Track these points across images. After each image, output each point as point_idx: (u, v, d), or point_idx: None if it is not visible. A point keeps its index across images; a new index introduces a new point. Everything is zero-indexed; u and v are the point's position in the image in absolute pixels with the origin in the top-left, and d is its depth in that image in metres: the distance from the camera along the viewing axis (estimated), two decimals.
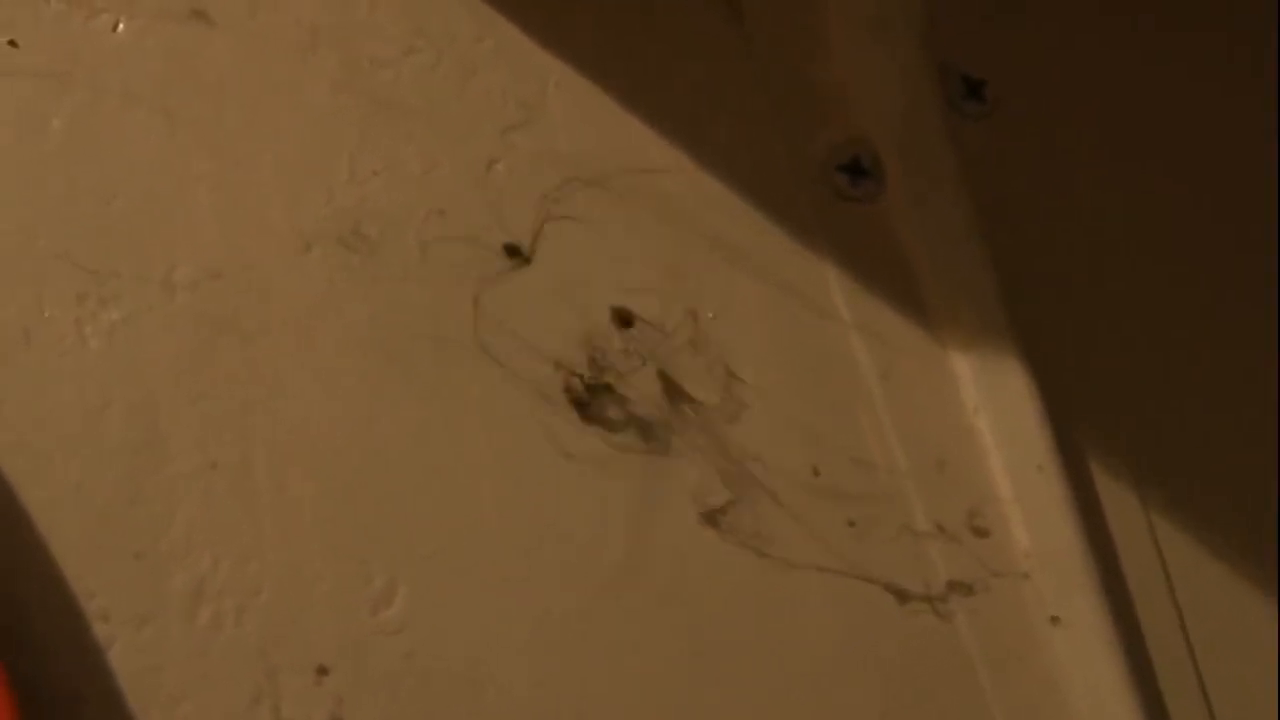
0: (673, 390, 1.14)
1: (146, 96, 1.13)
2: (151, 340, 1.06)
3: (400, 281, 1.13)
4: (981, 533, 1.15)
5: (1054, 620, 1.15)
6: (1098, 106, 1.39)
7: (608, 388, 1.12)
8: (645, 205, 1.22)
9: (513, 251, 1.15)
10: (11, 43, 1.10)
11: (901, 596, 1.12)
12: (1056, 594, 1.15)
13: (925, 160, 1.30)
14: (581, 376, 1.12)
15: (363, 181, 1.15)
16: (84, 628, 0.96)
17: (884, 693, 1.11)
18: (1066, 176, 1.34)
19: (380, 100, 1.19)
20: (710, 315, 1.18)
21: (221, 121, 1.14)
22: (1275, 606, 1.23)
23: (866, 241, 1.26)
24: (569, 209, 1.20)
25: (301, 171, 1.15)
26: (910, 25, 1.33)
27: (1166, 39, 1.43)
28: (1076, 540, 1.17)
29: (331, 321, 1.11)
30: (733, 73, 1.30)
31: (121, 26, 1.14)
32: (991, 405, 1.21)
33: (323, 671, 1.00)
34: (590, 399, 1.11)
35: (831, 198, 1.28)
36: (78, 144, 1.10)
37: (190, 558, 1.00)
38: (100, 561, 0.99)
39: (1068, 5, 1.41)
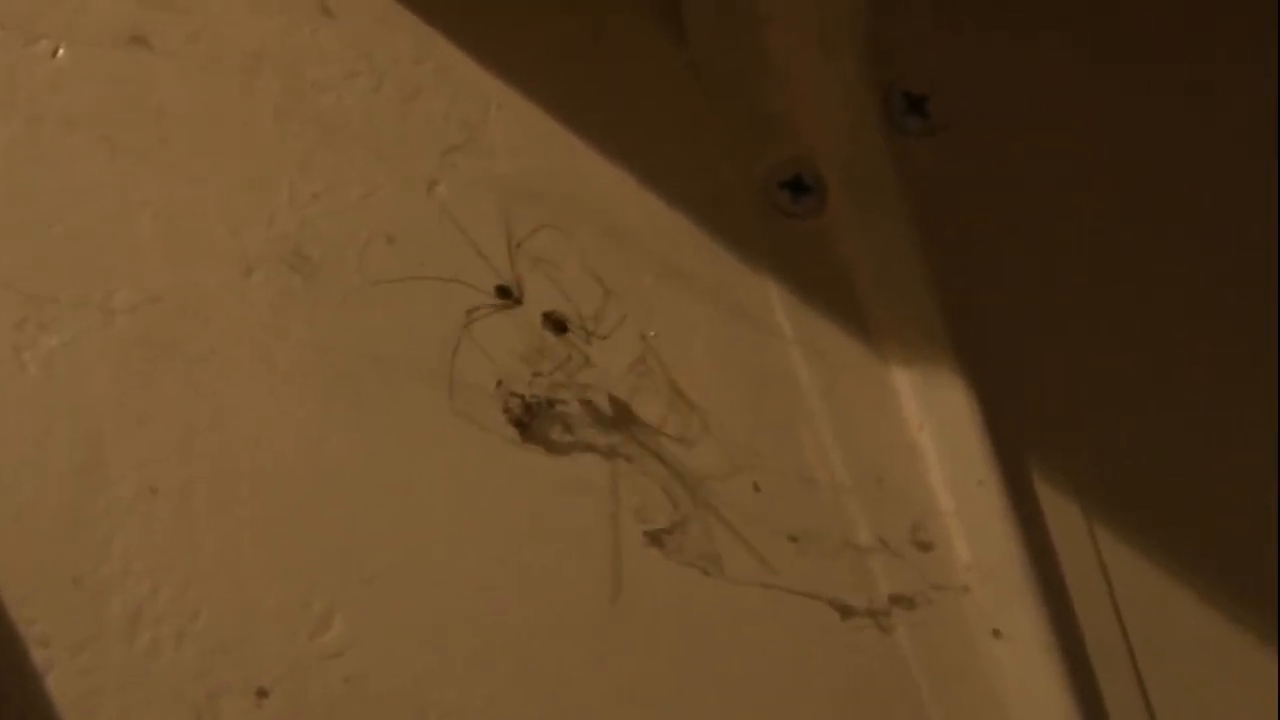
0: (617, 409, 1.14)
1: (86, 123, 1.14)
2: (92, 365, 1.06)
3: (343, 305, 1.14)
4: (925, 546, 1.16)
5: (995, 633, 1.15)
6: (1042, 120, 1.39)
7: (550, 405, 1.12)
8: (587, 224, 1.22)
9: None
10: None
11: (845, 612, 1.12)
12: (997, 607, 1.16)
13: (866, 176, 1.30)
14: (523, 398, 1.12)
15: (303, 205, 1.16)
16: (22, 653, 0.96)
17: (830, 708, 1.11)
18: (1010, 191, 1.35)
19: (323, 124, 1.19)
20: (653, 333, 1.18)
21: (163, 147, 1.15)
22: (1220, 616, 1.23)
23: (808, 258, 1.26)
24: (508, 231, 1.20)
25: (243, 195, 1.15)
26: (852, 43, 1.34)
27: (1111, 52, 1.44)
28: (1017, 553, 1.17)
29: (275, 345, 1.11)
30: (676, 92, 1.31)
31: (61, 53, 1.14)
32: (933, 420, 1.21)
33: (262, 694, 1.00)
34: (531, 421, 1.12)
35: (774, 215, 1.28)
36: (16, 171, 1.11)
37: (129, 582, 1.00)
38: (40, 587, 0.99)
39: (1011, 20, 1.42)
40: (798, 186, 1.30)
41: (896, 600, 1.12)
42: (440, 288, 1.14)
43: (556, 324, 1.16)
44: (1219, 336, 1.31)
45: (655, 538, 1.11)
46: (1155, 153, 1.38)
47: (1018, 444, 1.21)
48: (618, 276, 1.20)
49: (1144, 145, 1.39)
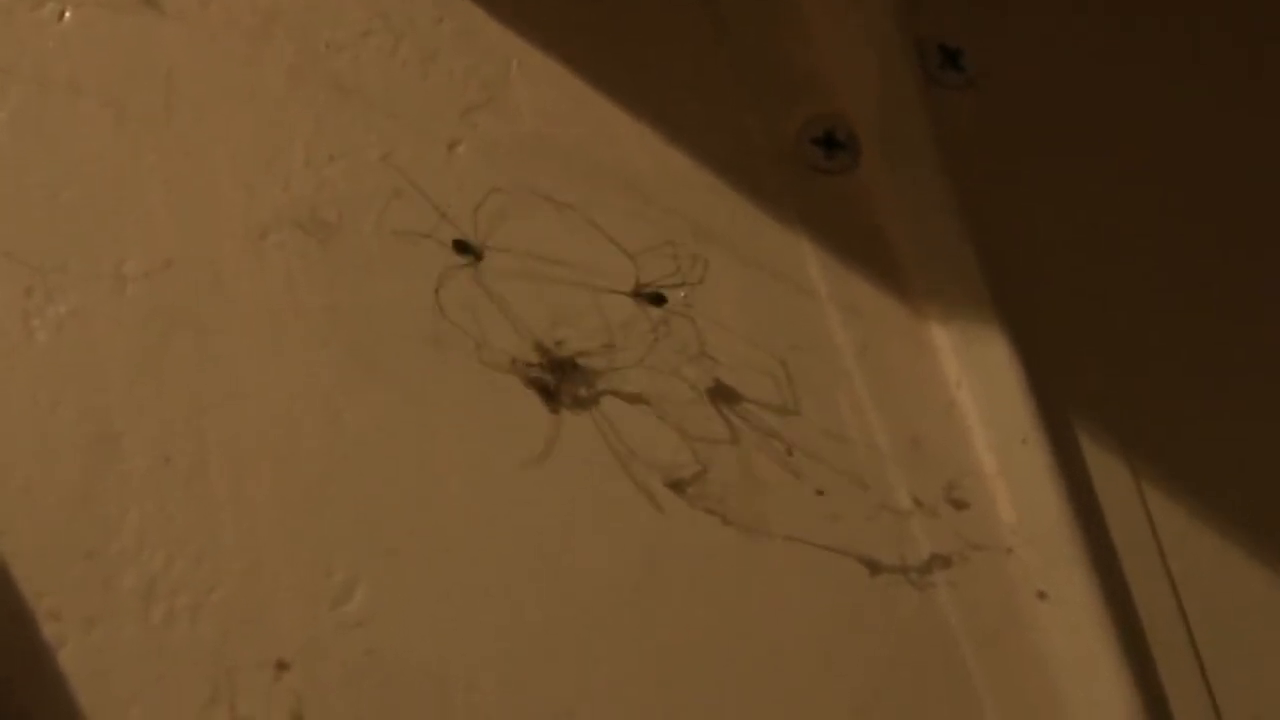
0: (647, 372, 1.11)
1: (94, 88, 1.11)
2: (102, 334, 1.03)
3: (361, 271, 1.11)
4: (960, 505, 1.12)
5: (1041, 595, 1.11)
6: (1080, 72, 1.36)
7: (574, 366, 1.09)
8: (613, 184, 1.18)
9: (465, 246, 1.12)
10: None
11: (873, 568, 1.09)
12: (1043, 568, 1.12)
13: (900, 131, 1.27)
14: (546, 364, 1.09)
15: (320, 167, 1.13)
16: (34, 628, 0.93)
17: (864, 666, 1.07)
18: (1048, 144, 1.31)
19: (338, 85, 1.17)
20: (682, 294, 1.14)
21: (173, 111, 1.12)
22: (1275, 576, 1.19)
23: (842, 215, 1.23)
24: (534, 190, 1.16)
25: (256, 159, 1.13)
26: None
27: (1148, 6, 1.40)
28: (1063, 513, 1.14)
29: (291, 310, 1.08)
30: (703, 48, 1.28)
31: (68, 16, 1.12)
32: (973, 378, 1.17)
33: (282, 667, 0.97)
34: (558, 384, 1.08)
35: (805, 171, 1.25)
36: (23, 137, 1.08)
37: (143, 555, 0.98)
38: (51, 561, 0.96)
39: None
40: (830, 142, 1.26)
41: (933, 559, 1.08)
42: None
43: (653, 297, 1.12)
44: (1275, 291, 1.27)
45: (679, 487, 1.07)
46: (1197, 103, 1.34)
47: (1062, 402, 1.18)
48: (645, 237, 1.16)
49: (1184, 96, 1.35)
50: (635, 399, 1.10)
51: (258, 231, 1.09)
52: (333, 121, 1.15)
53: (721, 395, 1.11)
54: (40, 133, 1.08)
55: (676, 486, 1.08)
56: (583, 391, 1.09)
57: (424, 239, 1.11)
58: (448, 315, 1.09)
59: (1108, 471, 1.16)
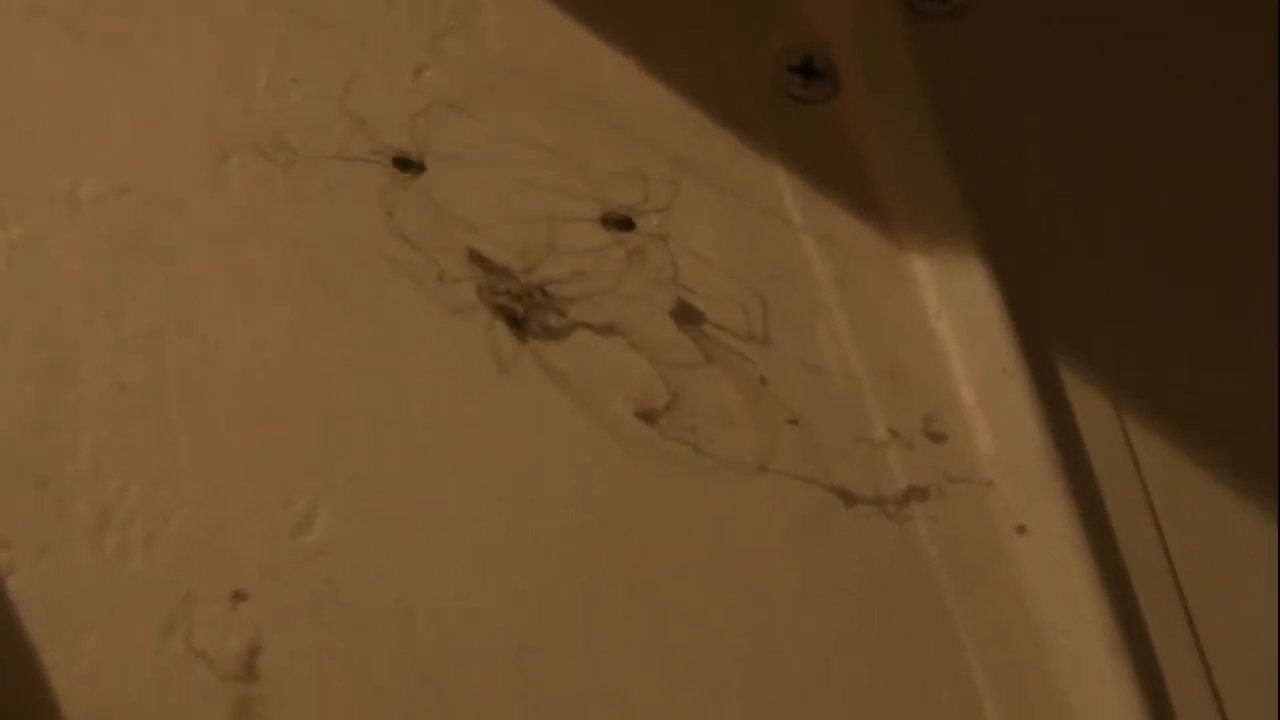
0: (618, 297, 1.08)
1: (50, 8, 1.09)
2: (56, 258, 1.01)
3: (324, 195, 1.08)
4: (938, 438, 1.10)
5: (1020, 529, 1.09)
6: (1067, 4, 1.32)
7: (544, 293, 1.06)
8: (585, 110, 1.16)
9: (409, 163, 1.09)
10: None
11: (848, 499, 1.06)
12: (1023, 502, 1.10)
13: (882, 59, 1.24)
14: (514, 291, 1.06)
15: (282, 91, 1.11)
16: None
17: (839, 598, 1.04)
18: (1034, 74, 1.28)
19: (301, 9, 1.14)
20: (656, 222, 1.12)
21: (131, 33, 1.10)
22: (1261, 515, 1.17)
23: (820, 144, 1.20)
24: (504, 113, 1.14)
25: (217, 83, 1.11)
26: None
27: None
28: (1044, 446, 1.11)
29: (252, 236, 1.06)
30: None
31: None
32: (953, 308, 1.15)
33: (240, 597, 0.94)
34: (526, 312, 1.06)
35: (783, 100, 1.22)
36: None
37: (97, 483, 0.95)
38: (2, 489, 0.94)
39: None
40: (809, 70, 1.24)
41: (910, 492, 1.06)
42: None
43: (621, 222, 1.10)
44: (1257, 222, 1.24)
45: (650, 418, 1.04)
46: (1190, 38, 1.32)
47: (1043, 334, 1.15)
48: (619, 163, 1.13)
49: (1179, 31, 1.32)
50: (607, 329, 1.08)
51: (218, 155, 1.07)
52: (296, 46, 1.13)
53: (693, 322, 1.09)
54: None
55: (648, 417, 1.05)
56: (552, 320, 1.07)
57: (386, 164, 1.08)
58: (410, 241, 1.06)
59: (1089, 404, 1.14)
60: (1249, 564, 1.13)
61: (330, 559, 0.97)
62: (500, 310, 1.06)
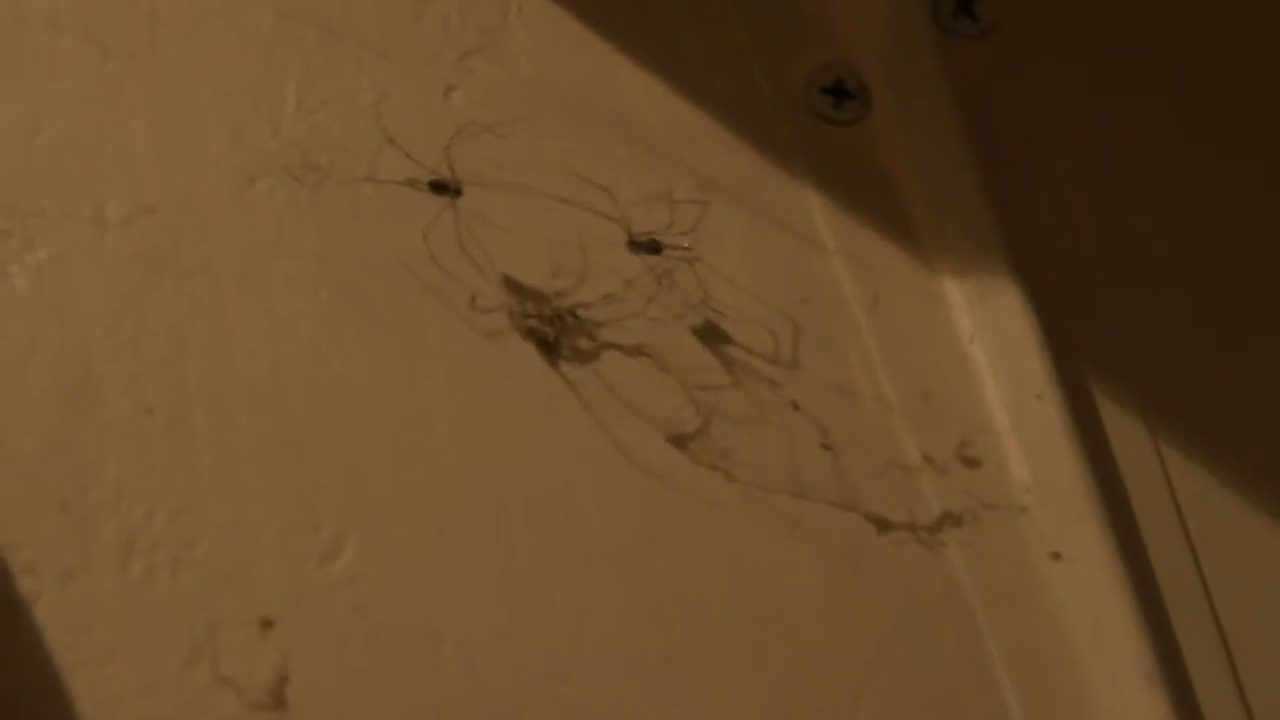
0: (647, 321, 1.07)
1: (75, 25, 1.08)
2: (82, 279, 1.00)
3: (352, 216, 1.07)
4: (971, 463, 1.08)
5: (1055, 556, 1.08)
6: (1095, 21, 1.31)
7: (574, 316, 1.05)
8: (613, 132, 1.15)
9: (445, 187, 1.08)
10: None
11: (881, 526, 1.05)
12: (1057, 528, 1.08)
13: (913, 80, 1.23)
14: (544, 315, 1.05)
15: (311, 111, 1.09)
16: (8, 581, 0.90)
17: (872, 624, 1.03)
18: (1063, 95, 1.27)
19: (329, 27, 1.13)
20: (687, 245, 1.11)
21: (156, 51, 1.09)
22: None
23: (851, 165, 1.19)
24: (533, 135, 1.13)
25: (244, 102, 1.09)
26: None
27: None
28: (1078, 471, 1.10)
29: (278, 257, 1.05)
30: None
31: None
32: (986, 332, 1.14)
33: (267, 624, 0.93)
34: (557, 336, 1.04)
35: (814, 121, 1.21)
36: (2, 77, 1.04)
37: (122, 507, 0.94)
38: (26, 512, 0.93)
39: None
40: (840, 92, 1.22)
41: (944, 518, 1.04)
42: None
43: (649, 245, 1.08)
44: None
45: (681, 443, 1.03)
46: (1211, 53, 1.31)
47: (1077, 357, 1.14)
48: (648, 185, 1.12)
49: (1199, 46, 1.31)
50: (636, 351, 1.06)
51: (245, 176, 1.06)
52: (324, 65, 1.12)
53: (724, 348, 1.07)
54: (19, 71, 1.05)
55: (678, 441, 1.04)
56: (583, 344, 1.06)
57: (417, 186, 1.07)
58: (440, 263, 1.05)
59: (1124, 428, 1.13)
60: None
61: (358, 586, 0.96)
62: (531, 334, 1.05)
